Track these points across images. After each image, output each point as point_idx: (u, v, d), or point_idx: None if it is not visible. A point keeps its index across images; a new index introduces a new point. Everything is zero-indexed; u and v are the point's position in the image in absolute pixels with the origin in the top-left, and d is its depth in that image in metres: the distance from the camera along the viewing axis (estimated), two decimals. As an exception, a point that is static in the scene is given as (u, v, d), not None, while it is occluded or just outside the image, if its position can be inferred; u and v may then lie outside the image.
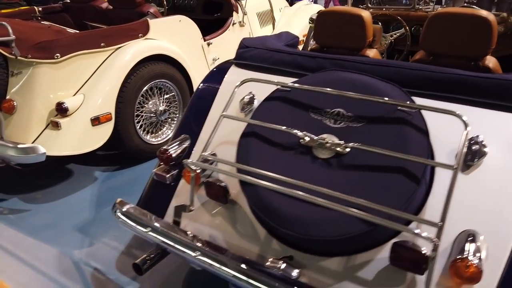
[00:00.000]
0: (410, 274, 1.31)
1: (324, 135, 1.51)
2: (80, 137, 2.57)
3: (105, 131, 2.70)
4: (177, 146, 1.95)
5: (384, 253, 1.37)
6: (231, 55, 4.57)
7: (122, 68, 2.75)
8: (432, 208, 1.36)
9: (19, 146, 2.35)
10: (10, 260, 2.16)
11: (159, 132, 3.22)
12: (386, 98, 1.47)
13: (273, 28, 5.00)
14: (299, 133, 1.53)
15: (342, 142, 1.45)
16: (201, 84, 2.25)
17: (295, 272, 1.42)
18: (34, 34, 2.53)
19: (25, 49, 2.47)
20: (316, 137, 1.50)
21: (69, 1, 3.80)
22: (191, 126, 2.07)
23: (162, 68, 3.06)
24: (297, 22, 5.05)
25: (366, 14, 2.13)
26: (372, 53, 2.28)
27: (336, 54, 1.95)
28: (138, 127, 2.98)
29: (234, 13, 4.04)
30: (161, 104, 3.15)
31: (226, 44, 3.92)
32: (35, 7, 3.74)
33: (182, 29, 3.34)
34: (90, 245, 2.26)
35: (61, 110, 2.50)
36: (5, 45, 2.49)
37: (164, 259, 1.79)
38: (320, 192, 1.32)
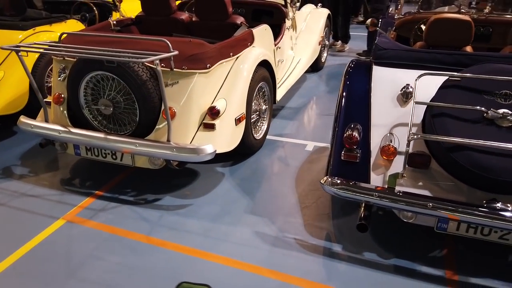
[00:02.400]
0: None
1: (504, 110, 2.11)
2: (229, 135, 2.93)
3: (242, 129, 3.08)
4: (354, 132, 2.44)
5: None
6: (287, 57, 5.01)
7: (247, 74, 3.14)
8: None
9: (192, 147, 2.66)
10: (218, 242, 2.51)
11: (257, 128, 3.62)
12: None
13: (296, 31, 5.52)
14: (484, 109, 2.12)
15: (526, 113, 2.06)
16: (346, 83, 2.75)
17: (509, 206, 2.01)
18: (182, 48, 2.82)
19: (179, 62, 2.77)
20: (503, 111, 2.09)
21: (144, 14, 4.00)
22: (357, 115, 2.57)
23: (263, 72, 3.48)
24: (315, 26, 5.63)
25: (470, 19, 2.78)
26: (469, 49, 2.94)
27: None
28: (249, 125, 3.38)
29: (286, 19, 4.52)
30: (263, 104, 3.57)
31: (283, 47, 4.40)
32: (110, 21, 3.92)
33: (267, 36, 3.77)
34: (273, 223, 2.66)
35: (215, 113, 2.84)
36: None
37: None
38: None
